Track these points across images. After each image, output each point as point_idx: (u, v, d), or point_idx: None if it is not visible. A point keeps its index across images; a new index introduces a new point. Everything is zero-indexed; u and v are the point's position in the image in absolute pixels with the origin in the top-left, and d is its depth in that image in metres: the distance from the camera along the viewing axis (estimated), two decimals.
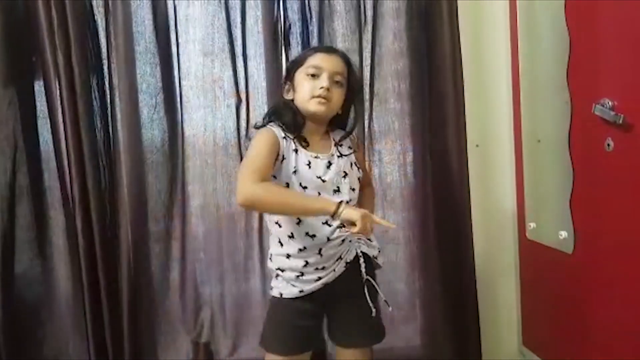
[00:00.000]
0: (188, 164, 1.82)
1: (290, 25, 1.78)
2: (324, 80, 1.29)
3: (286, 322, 1.36)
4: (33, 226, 1.78)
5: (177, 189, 1.83)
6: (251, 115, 1.80)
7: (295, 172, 1.29)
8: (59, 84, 1.67)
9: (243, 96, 1.80)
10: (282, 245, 1.34)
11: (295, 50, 1.77)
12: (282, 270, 1.34)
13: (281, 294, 1.35)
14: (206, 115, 1.81)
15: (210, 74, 1.79)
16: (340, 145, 1.38)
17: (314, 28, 1.77)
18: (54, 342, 1.82)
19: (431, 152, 1.83)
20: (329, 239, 1.30)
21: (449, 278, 1.85)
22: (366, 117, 1.82)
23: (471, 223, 1.83)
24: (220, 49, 1.78)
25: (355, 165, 1.39)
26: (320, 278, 1.32)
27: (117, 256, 1.76)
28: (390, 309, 1.38)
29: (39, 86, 1.75)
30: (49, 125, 1.75)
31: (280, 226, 1.33)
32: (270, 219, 1.37)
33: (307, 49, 1.42)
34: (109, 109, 1.75)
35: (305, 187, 1.29)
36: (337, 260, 1.32)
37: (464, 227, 1.82)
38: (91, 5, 1.72)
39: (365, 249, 1.36)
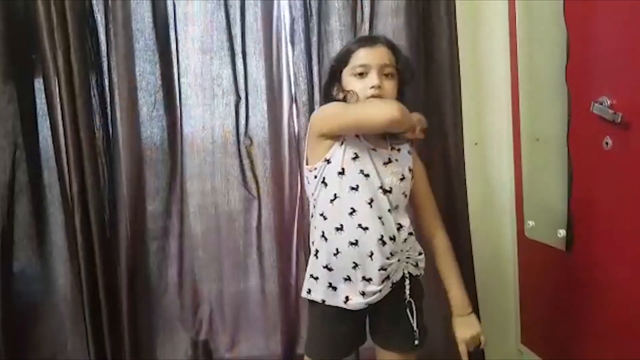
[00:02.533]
0: (187, 162, 1.82)
1: (290, 22, 1.78)
2: (373, 79, 1.21)
3: (328, 329, 1.29)
4: (32, 224, 1.78)
5: (175, 187, 1.82)
6: (250, 113, 1.80)
7: (355, 158, 1.21)
8: (58, 82, 1.67)
9: (242, 94, 1.80)
10: (326, 240, 1.25)
11: (298, 47, 1.77)
12: (330, 270, 1.25)
13: (323, 301, 1.27)
14: (205, 113, 1.80)
15: (209, 72, 1.79)
16: (398, 150, 1.29)
17: (314, 25, 1.76)
18: (53, 340, 1.81)
19: (428, 151, 1.83)
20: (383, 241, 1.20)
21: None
22: None
23: (469, 221, 1.82)
24: (219, 47, 1.78)
25: (411, 173, 1.29)
26: (364, 294, 1.22)
27: (116, 254, 1.76)
28: (415, 342, 1.29)
29: (38, 84, 1.75)
30: (48, 123, 1.75)
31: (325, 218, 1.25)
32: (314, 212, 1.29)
33: (348, 43, 1.29)
34: (108, 106, 1.75)
35: (367, 175, 1.21)
36: (384, 279, 1.23)
37: (462, 225, 1.82)
38: (90, 3, 1.72)
39: (412, 270, 1.29)
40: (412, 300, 1.28)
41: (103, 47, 1.74)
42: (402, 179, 1.26)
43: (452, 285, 1.33)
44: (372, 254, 1.20)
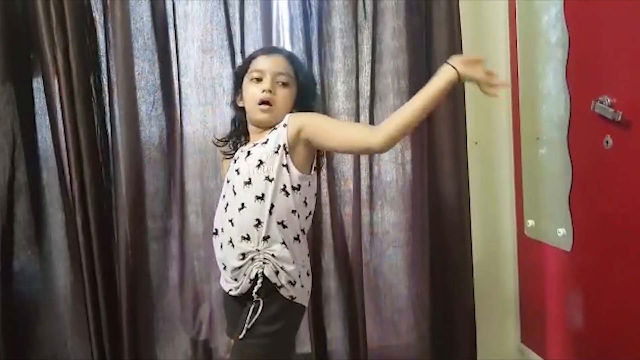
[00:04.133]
0: (186, 161, 1.82)
1: (289, 21, 1.77)
2: (266, 83, 1.27)
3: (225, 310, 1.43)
4: (31, 224, 1.77)
5: (175, 187, 1.82)
6: None
7: (229, 167, 1.33)
8: (58, 81, 1.66)
9: None
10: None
11: (297, 47, 1.76)
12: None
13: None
14: (205, 113, 1.80)
15: (209, 71, 1.79)
16: (275, 128, 1.29)
17: (314, 24, 1.76)
18: (53, 340, 1.81)
19: (429, 150, 1.83)
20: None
21: (446, 277, 1.84)
22: (367, 114, 1.81)
23: (470, 221, 1.82)
24: (219, 46, 1.77)
25: (280, 148, 1.23)
26: (231, 290, 1.29)
27: (116, 254, 1.76)
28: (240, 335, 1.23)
29: (37, 83, 1.75)
30: (47, 123, 1.75)
31: None
32: None
33: (252, 52, 1.37)
34: (108, 106, 1.74)
35: (228, 180, 1.30)
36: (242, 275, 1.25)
37: (463, 225, 1.81)
38: (89, 3, 1.71)
39: (268, 274, 1.22)
40: (259, 300, 1.22)
41: (102, 47, 1.74)
42: (259, 165, 1.23)
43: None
44: (225, 257, 1.27)
